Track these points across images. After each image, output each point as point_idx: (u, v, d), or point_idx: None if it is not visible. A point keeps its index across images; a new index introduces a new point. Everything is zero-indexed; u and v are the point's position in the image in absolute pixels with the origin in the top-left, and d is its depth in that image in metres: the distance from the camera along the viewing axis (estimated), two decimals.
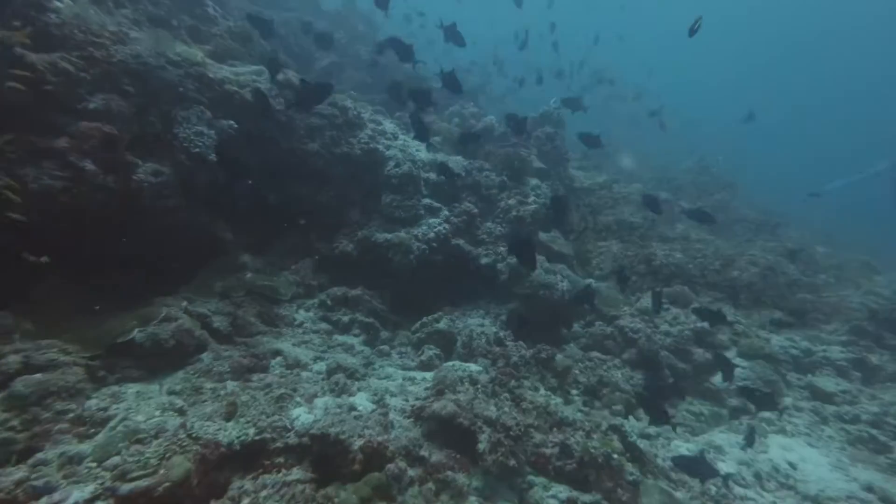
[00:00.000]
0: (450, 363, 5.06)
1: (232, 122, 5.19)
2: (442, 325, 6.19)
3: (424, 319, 6.28)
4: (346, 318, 6.24)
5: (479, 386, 4.64)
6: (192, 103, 4.88)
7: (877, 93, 56.75)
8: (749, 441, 5.08)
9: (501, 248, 7.32)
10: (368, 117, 7.64)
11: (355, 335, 6.17)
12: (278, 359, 5.01)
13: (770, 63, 62.65)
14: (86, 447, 2.98)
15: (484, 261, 7.26)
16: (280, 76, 6.24)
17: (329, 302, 6.32)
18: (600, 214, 10.74)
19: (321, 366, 5.07)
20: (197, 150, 4.70)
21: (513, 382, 4.85)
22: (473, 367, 5.03)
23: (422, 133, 6.11)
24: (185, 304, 4.68)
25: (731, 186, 16.98)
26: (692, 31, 5.69)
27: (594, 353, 6.35)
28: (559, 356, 5.84)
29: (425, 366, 5.61)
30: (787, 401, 6.45)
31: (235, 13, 8.67)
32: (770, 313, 8.36)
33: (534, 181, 8.50)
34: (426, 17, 15.75)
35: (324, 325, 6.08)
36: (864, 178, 17.24)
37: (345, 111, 6.93)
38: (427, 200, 7.42)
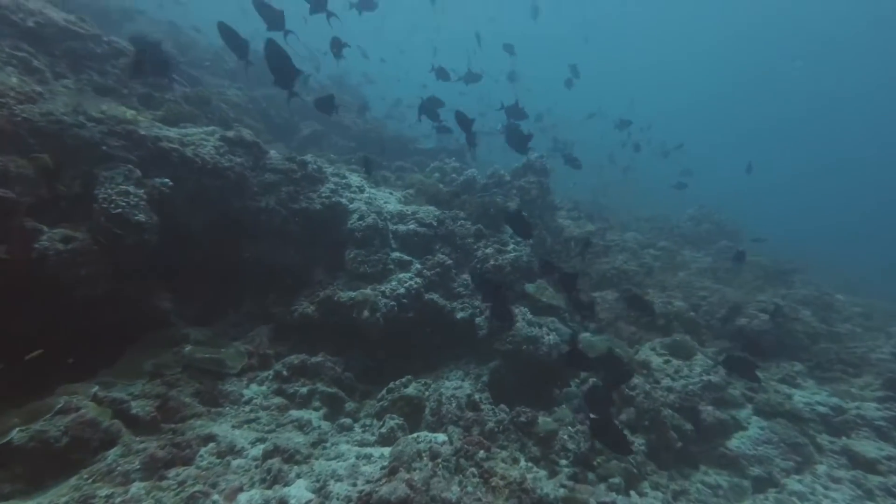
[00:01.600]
0: (412, 435, 4.31)
1: (166, 179, 4.81)
2: (410, 390, 5.45)
3: (391, 385, 5.55)
4: (304, 390, 5.51)
5: (439, 460, 3.86)
6: (119, 162, 4.53)
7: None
8: None
9: (478, 302, 6.70)
10: (332, 171, 7.32)
11: (315, 409, 5.43)
12: (210, 445, 4.26)
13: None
14: None
15: (460, 315, 6.61)
16: (231, 133, 5.97)
17: (285, 372, 5.63)
18: (595, 264, 10.22)
19: (259, 450, 4.32)
20: (118, 210, 4.26)
21: (481, 453, 4.04)
22: (439, 437, 4.27)
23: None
24: (95, 389, 4.04)
25: (734, 234, 16.44)
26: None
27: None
28: (542, 419, 5.03)
29: (386, 440, 4.81)
30: (821, 469, 5.45)
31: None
32: (790, 365, 7.48)
33: None
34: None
35: (277, 400, 5.35)
36: None
37: (304, 165, 6.61)
38: (396, 254, 6.91)
